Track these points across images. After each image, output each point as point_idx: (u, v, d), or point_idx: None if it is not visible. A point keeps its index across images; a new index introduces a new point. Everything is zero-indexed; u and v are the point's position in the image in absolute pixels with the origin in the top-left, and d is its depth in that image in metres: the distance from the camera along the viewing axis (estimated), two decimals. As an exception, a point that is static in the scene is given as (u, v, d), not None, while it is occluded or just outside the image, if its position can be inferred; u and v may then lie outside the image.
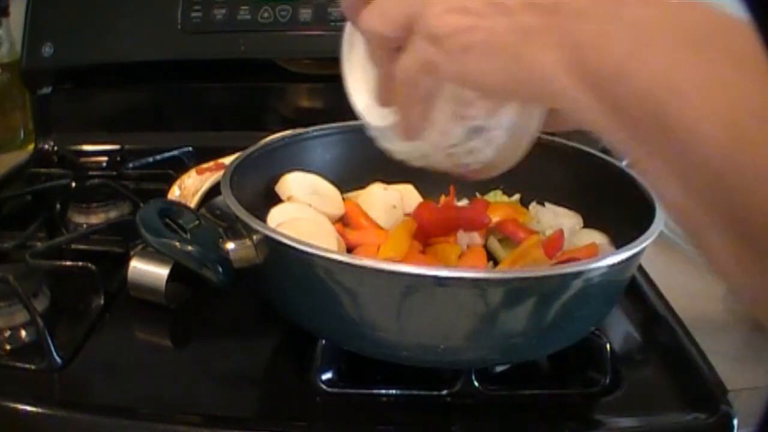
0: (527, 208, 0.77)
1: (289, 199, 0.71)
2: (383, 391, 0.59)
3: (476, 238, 0.72)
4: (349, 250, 0.69)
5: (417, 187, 0.79)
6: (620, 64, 0.32)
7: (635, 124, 0.32)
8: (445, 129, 0.47)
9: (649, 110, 0.31)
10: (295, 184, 0.72)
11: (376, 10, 0.42)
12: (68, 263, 0.71)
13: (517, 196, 0.78)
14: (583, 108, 0.34)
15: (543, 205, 0.76)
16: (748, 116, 0.29)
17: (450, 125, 0.46)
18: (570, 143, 0.77)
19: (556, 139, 0.79)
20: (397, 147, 0.52)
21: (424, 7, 0.38)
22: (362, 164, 0.76)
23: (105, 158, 1.04)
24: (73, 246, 0.77)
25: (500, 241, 0.73)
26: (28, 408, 0.57)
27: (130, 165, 1.00)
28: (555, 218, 0.74)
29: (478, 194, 0.79)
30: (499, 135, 0.47)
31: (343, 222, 0.74)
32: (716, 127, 0.30)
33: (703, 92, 0.30)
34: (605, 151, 0.75)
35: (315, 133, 0.78)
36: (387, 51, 0.43)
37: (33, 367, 0.61)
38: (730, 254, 0.32)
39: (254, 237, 0.59)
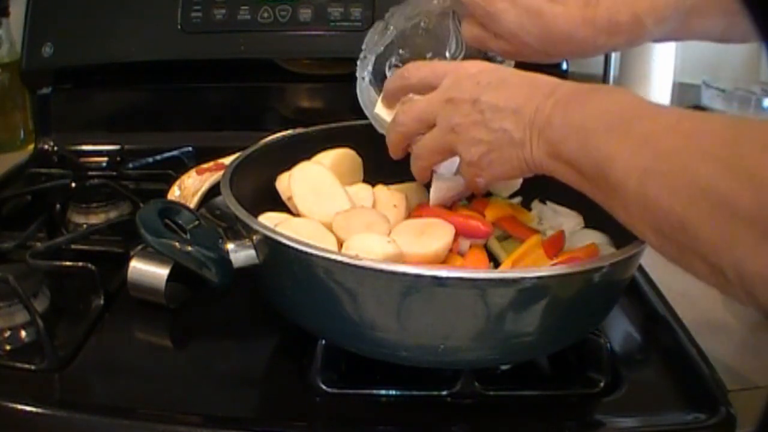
0: (529, 208, 0.76)
1: (289, 200, 0.70)
2: (383, 391, 0.59)
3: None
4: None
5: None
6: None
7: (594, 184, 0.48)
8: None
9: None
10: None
11: (421, 149, 0.62)
12: (68, 263, 0.71)
13: (518, 199, 0.78)
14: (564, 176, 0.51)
15: (545, 203, 0.76)
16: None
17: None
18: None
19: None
20: None
21: (456, 146, 0.57)
22: (362, 164, 0.76)
23: (105, 158, 1.04)
24: (73, 246, 0.77)
25: (500, 241, 0.73)
26: (28, 408, 0.57)
27: (130, 165, 1.00)
28: (555, 218, 0.74)
29: (478, 194, 0.78)
30: None
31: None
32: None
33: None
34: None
35: (315, 133, 0.78)
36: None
37: (33, 367, 0.61)
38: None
39: (254, 237, 0.59)
